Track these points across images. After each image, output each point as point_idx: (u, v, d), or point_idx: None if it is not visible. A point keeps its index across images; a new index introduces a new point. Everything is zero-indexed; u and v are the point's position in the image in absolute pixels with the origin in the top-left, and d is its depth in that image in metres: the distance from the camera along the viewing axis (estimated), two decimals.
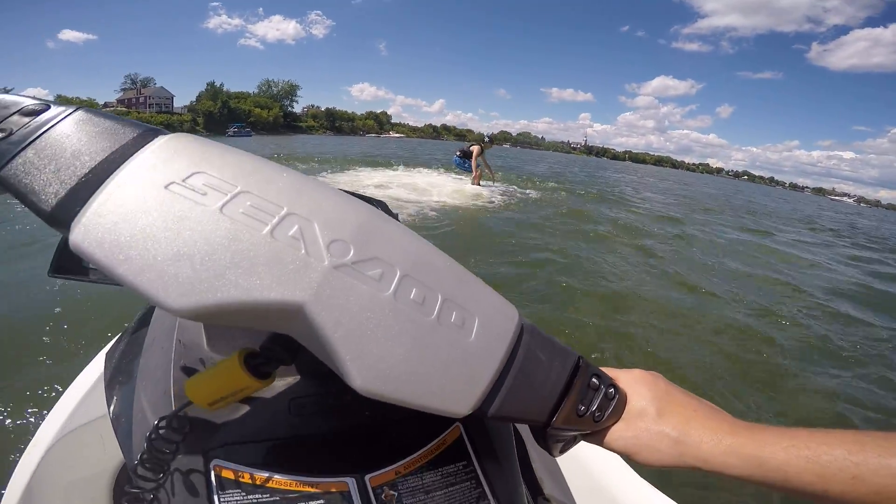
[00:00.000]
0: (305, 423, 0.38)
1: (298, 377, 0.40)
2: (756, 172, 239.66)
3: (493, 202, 7.90)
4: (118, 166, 0.27)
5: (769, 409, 2.54)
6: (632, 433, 0.35)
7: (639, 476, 0.77)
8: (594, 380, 0.35)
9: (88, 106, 0.32)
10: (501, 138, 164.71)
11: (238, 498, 0.34)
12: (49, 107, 0.29)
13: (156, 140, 0.28)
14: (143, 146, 0.28)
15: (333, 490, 0.36)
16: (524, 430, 0.66)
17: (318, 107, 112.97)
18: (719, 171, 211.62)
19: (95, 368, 0.85)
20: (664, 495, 0.74)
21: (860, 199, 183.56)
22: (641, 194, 15.27)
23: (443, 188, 8.40)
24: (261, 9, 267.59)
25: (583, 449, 0.48)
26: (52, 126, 0.28)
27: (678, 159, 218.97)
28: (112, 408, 0.45)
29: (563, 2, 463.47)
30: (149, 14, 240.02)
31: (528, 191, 10.25)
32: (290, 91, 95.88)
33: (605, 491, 0.76)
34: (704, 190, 28.85)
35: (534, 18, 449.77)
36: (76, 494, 0.75)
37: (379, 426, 0.39)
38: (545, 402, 0.33)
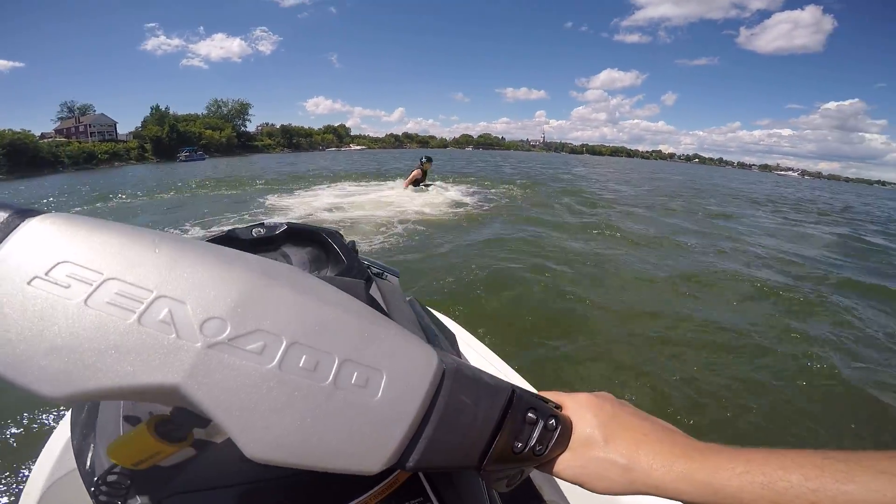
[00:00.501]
0: (254, 468, 0.38)
1: None
2: (706, 154, 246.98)
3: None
4: None
5: None
6: (579, 462, 0.34)
7: None
8: (531, 414, 0.34)
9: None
10: (464, 141, 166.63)
11: None
12: None
13: (21, 226, 0.27)
14: (8, 234, 0.26)
15: None
16: None
17: (272, 124, 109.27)
18: (671, 156, 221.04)
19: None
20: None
21: (803, 172, 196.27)
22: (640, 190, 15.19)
23: (402, 200, 8.68)
24: (201, 27, 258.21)
25: None
26: None
27: (632, 148, 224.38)
28: (80, 464, 0.46)
29: (507, 2, 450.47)
30: (79, 38, 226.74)
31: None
32: (242, 110, 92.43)
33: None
34: (675, 178, 29.65)
35: (480, 21, 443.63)
36: None
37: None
38: (473, 446, 0.32)
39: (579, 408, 0.36)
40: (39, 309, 0.25)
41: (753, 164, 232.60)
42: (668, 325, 3.53)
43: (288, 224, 0.77)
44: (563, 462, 0.35)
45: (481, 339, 1.44)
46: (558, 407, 0.37)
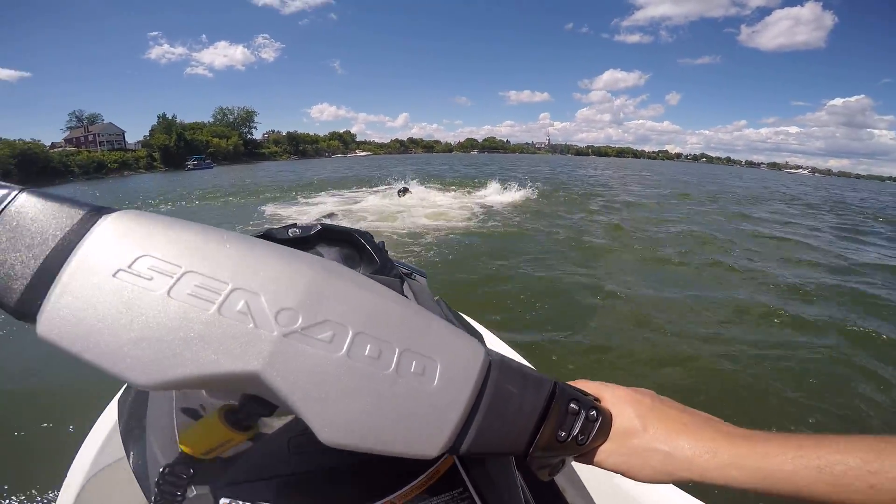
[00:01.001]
0: (304, 460, 0.42)
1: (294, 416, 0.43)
2: (713, 154, 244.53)
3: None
4: (69, 254, 0.27)
5: None
6: (620, 452, 0.35)
7: None
8: (573, 405, 0.35)
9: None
10: (469, 145, 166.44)
11: None
12: None
13: (100, 222, 0.28)
14: (89, 229, 0.28)
15: None
16: None
17: (278, 132, 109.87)
18: (678, 156, 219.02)
19: (112, 412, 0.88)
20: (689, 495, 0.74)
21: (814, 170, 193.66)
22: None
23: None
24: (204, 35, 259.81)
25: None
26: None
27: (638, 149, 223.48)
28: (131, 456, 0.48)
29: (506, 5, 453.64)
30: (83, 47, 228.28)
31: None
32: (248, 118, 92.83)
33: (627, 494, 0.77)
34: (682, 178, 29.00)
35: (480, 24, 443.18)
36: None
37: (373, 461, 0.39)
38: (520, 433, 0.34)
39: (618, 401, 0.37)
40: (126, 299, 0.26)
41: (762, 163, 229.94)
42: None
43: (322, 224, 0.78)
44: (605, 452, 0.36)
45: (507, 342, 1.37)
46: (597, 399, 0.37)
